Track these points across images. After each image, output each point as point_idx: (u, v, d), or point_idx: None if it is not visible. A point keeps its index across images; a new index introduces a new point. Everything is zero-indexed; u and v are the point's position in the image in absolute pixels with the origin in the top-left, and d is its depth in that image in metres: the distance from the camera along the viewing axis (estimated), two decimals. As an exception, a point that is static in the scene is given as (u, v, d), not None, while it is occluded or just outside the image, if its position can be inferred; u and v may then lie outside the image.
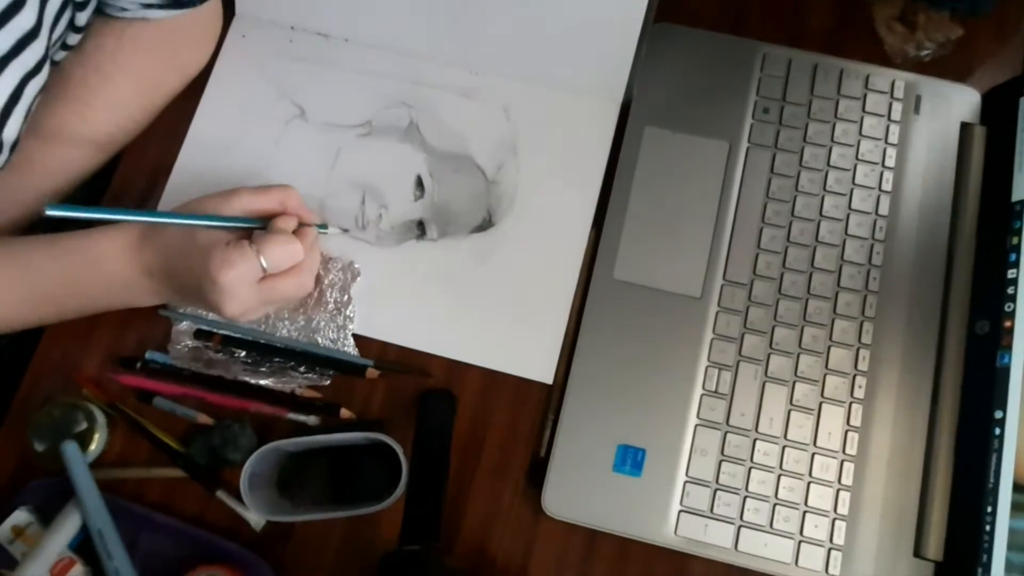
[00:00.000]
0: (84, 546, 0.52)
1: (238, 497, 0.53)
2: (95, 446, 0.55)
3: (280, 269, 0.51)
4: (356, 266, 0.59)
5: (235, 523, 0.55)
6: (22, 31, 0.45)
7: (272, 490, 0.55)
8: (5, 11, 0.43)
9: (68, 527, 0.52)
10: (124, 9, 0.55)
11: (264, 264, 0.50)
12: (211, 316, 0.57)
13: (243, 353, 0.57)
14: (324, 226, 0.57)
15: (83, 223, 0.51)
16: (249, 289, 0.50)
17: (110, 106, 0.58)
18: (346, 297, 0.58)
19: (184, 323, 0.58)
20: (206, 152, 0.62)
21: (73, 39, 0.54)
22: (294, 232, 0.52)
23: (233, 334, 0.57)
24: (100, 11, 0.55)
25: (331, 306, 0.58)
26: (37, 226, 0.57)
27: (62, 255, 0.53)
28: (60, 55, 0.54)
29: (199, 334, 0.57)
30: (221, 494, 0.55)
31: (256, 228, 0.52)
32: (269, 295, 0.52)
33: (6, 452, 0.56)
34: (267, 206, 0.53)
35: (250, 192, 0.53)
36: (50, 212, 0.47)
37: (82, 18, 0.52)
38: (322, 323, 0.58)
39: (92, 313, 0.56)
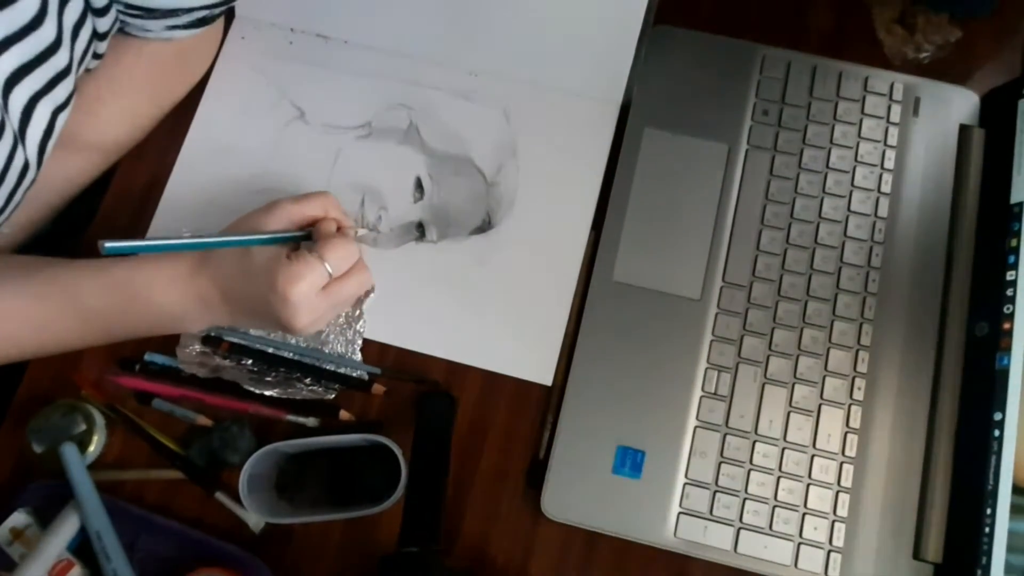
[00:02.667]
0: (83, 548, 0.52)
1: (237, 499, 0.52)
2: (94, 448, 0.54)
3: (343, 271, 0.52)
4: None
5: (234, 525, 0.54)
6: (56, 70, 0.46)
7: (271, 492, 0.55)
8: (44, 52, 0.44)
9: (67, 529, 0.52)
10: (147, 30, 0.54)
11: (330, 269, 0.51)
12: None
13: (250, 361, 0.57)
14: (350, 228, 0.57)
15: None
16: (317, 298, 0.51)
17: (122, 117, 0.58)
18: (357, 312, 0.58)
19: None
20: (206, 154, 0.62)
21: (100, 48, 0.54)
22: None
23: (241, 342, 0.57)
24: (120, 30, 0.55)
25: (341, 320, 0.58)
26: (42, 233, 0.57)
27: (110, 289, 0.52)
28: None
29: (207, 340, 0.57)
30: (220, 496, 0.55)
31: (303, 239, 0.52)
32: (336, 299, 0.52)
33: (5, 454, 0.56)
34: (313, 213, 0.53)
35: (293, 202, 0.53)
36: (108, 250, 0.46)
37: (101, 47, 0.52)
38: (331, 336, 0.58)
39: (140, 337, 0.55)
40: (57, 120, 0.48)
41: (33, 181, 0.48)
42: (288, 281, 0.49)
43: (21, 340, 0.52)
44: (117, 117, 0.58)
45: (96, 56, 0.52)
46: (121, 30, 0.54)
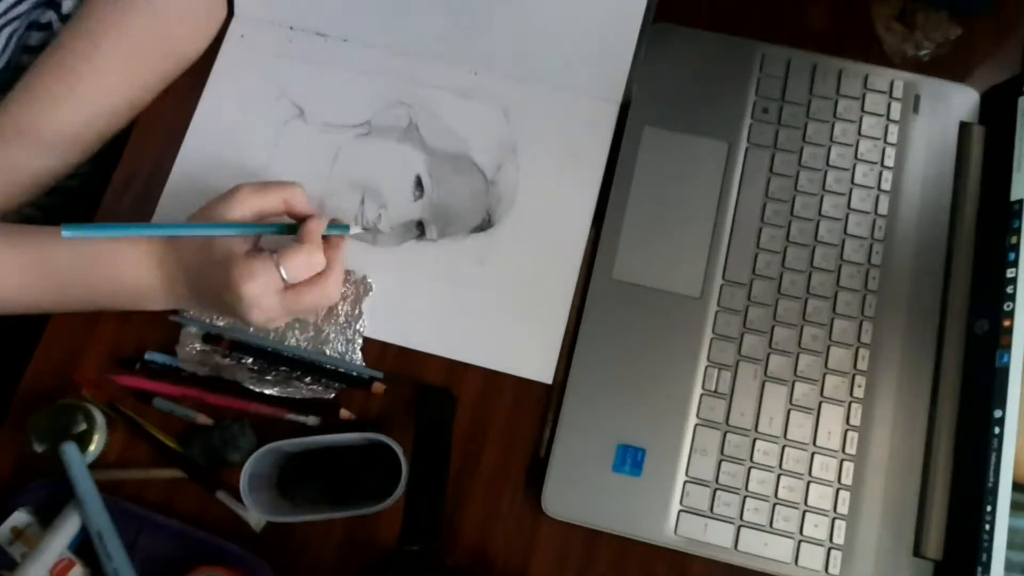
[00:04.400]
0: (84, 547, 0.52)
1: (238, 498, 0.52)
2: (94, 447, 0.54)
3: (299, 279, 0.51)
4: (369, 280, 0.59)
5: (235, 524, 0.55)
6: None
7: (272, 491, 0.55)
8: None
9: (68, 528, 0.52)
10: None
11: (284, 275, 0.50)
12: (221, 322, 0.58)
13: (250, 360, 0.57)
14: (346, 226, 0.55)
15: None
16: (272, 299, 0.50)
17: (97, 74, 0.57)
18: (357, 311, 0.58)
19: (194, 327, 0.57)
20: (205, 152, 0.62)
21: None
22: (324, 236, 0.52)
23: (242, 340, 0.57)
24: None
25: (341, 319, 0.58)
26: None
27: (81, 248, 0.52)
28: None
29: (208, 338, 0.57)
30: (221, 495, 0.55)
31: (282, 232, 0.52)
32: (292, 305, 0.51)
33: (5, 453, 0.56)
34: (269, 205, 0.52)
35: (252, 189, 0.52)
36: (66, 234, 0.46)
37: None
38: (332, 334, 0.58)
39: (97, 309, 0.56)
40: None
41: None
42: (241, 278, 0.49)
43: None
44: (90, 71, 0.56)
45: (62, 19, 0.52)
46: None
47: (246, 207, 0.51)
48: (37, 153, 0.56)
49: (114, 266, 0.53)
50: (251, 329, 0.57)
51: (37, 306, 0.55)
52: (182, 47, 0.62)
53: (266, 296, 0.50)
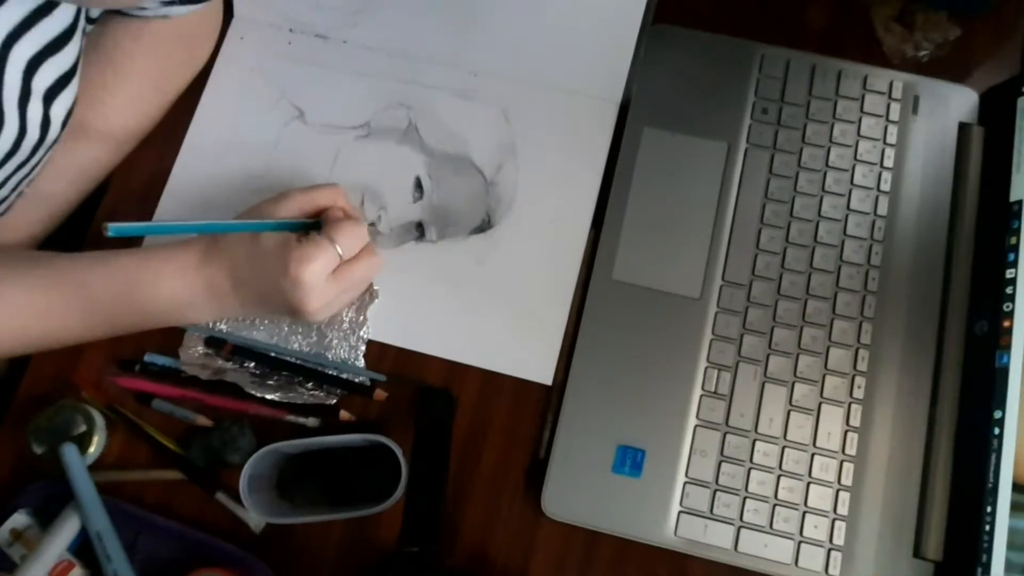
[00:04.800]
0: (83, 549, 0.52)
1: (237, 499, 0.52)
2: (94, 448, 0.54)
3: (354, 253, 0.52)
4: (375, 288, 0.59)
5: (234, 525, 0.55)
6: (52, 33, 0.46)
7: (271, 492, 0.55)
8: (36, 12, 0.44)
9: (67, 530, 0.52)
10: (143, 8, 0.55)
11: (340, 251, 0.51)
12: (223, 326, 0.57)
13: (252, 364, 0.57)
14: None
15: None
16: (328, 281, 0.51)
17: (128, 103, 0.58)
18: (361, 318, 0.58)
19: (197, 331, 0.57)
20: (205, 154, 0.62)
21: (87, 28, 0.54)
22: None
23: (244, 344, 0.57)
24: (115, 10, 0.55)
25: (345, 325, 0.58)
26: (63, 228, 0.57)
27: (118, 278, 0.52)
28: None
29: (210, 342, 0.57)
30: (220, 496, 0.55)
31: (312, 228, 0.53)
32: (346, 282, 0.52)
33: (5, 454, 0.56)
34: (322, 202, 0.53)
35: (303, 192, 0.53)
36: (111, 232, 0.44)
37: (94, 11, 0.52)
38: (335, 341, 0.58)
39: (148, 329, 0.55)
40: (34, 80, 0.46)
41: (17, 145, 0.47)
42: (299, 262, 0.49)
43: (26, 331, 0.52)
44: (123, 104, 0.58)
45: (89, 21, 0.52)
46: (119, 12, 0.54)
47: (295, 206, 0.53)
48: (91, 146, 0.57)
49: (155, 287, 0.52)
50: (313, 318, 0.55)
51: (92, 336, 0.54)
52: (196, 62, 0.63)
53: (323, 278, 0.50)
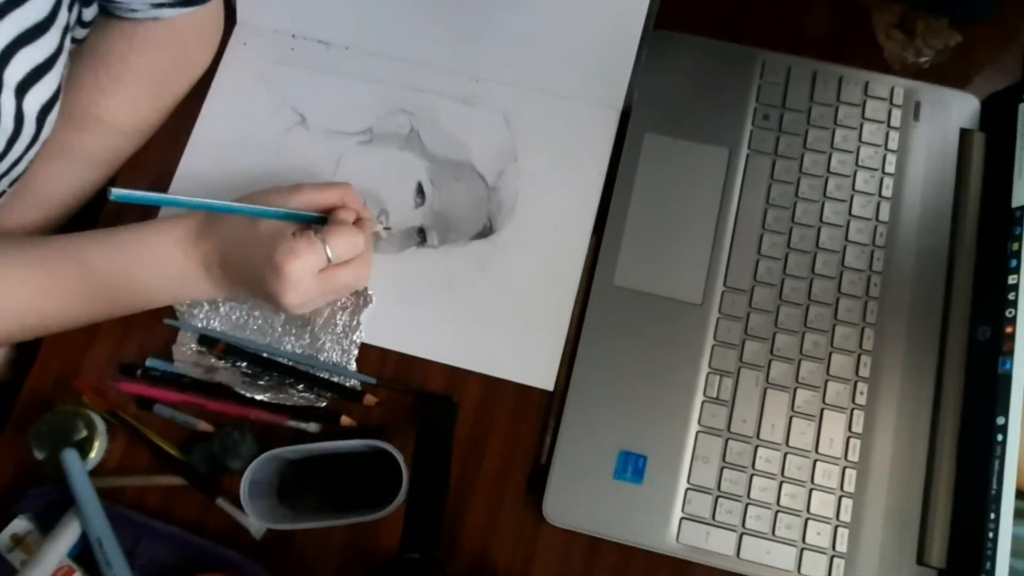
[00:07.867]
0: (84, 554, 0.52)
1: (238, 505, 0.52)
2: (95, 454, 0.54)
3: (343, 259, 0.52)
4: (370, 292, 0.59)
5: (235, 531, 0.54)
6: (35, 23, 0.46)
7: (272, 498, 0.55)
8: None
9: (67, 535, 0.52)
10: (134, 10, 0.55)
11: (329, 254, 0.51)
12: (217, 325, 0.58)
13: (244, 364, 0.57)
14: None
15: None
16: (311, 279, 0.51)
17: (124, 105, 0.58)
18: (355, 322, 0.58)
19: (190, 330, 0.57)
20: (207, 159, 0.62)
21: (79, 34, 0.54)
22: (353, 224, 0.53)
23: (236, 344, 0.57)
24: (107, 12, 0.56)
25: (339, 328, 0.58)
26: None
27: (117, 250, 0.53)
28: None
29: (203, 340, 0.57)
30: (221, 502, 0.54)
31: (317, 222, 0.53)
32: (329, 284, 0.52)
33: (6, 460, 0.56)
34: (330, 200, 0.54)
35: (313, 187, 0.54)
36: (114, 196, 0.46)
37: (88, 13, 0.52)
38: (327, 344, 0.58)
39: (144, 309, 0.56)
40: (5, 71, 0.46)
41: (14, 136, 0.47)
42: (285, 254, 0.49)
43: (25, 311, 0.52)
44: (116, 106, 0.58)
45: (83, 25, 0.52)
46: (108, 12, 0.54)
47: (304, 199, 0.53)
48: (105, 135, 0.58)
49: (153, 261, 0.53)
50: (291, 313, 0.56)
51: (91, 318, 0.55)
52: (194, 67, 0.63)
53: (307, 276, 0.50)
